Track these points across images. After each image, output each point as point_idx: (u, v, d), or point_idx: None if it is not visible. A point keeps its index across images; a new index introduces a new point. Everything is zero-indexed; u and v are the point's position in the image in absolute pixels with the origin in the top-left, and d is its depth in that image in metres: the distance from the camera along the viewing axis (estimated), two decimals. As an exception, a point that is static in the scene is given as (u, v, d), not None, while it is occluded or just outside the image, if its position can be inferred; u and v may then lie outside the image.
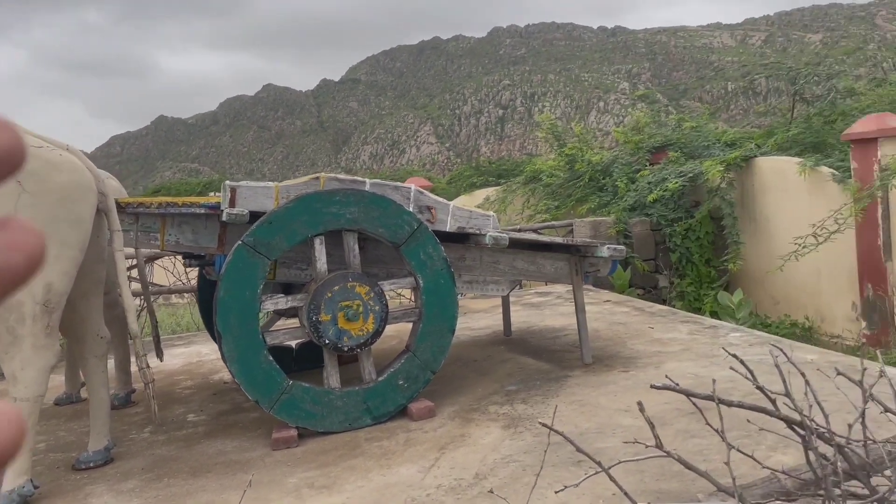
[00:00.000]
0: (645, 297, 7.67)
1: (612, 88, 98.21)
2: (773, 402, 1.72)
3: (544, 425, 1.57)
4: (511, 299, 7.24)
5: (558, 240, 4.27)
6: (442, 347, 3.78)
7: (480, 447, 3.21)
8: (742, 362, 1.75)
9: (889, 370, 3.83)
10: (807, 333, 6.77)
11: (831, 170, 6.47)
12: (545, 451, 2.41)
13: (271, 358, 3.44)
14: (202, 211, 3.65)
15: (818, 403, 1.70)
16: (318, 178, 3.72)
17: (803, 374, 1.76)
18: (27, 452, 2.99)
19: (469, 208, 4.11)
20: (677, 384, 1.70)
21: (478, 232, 3.98)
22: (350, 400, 3.58)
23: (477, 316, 6.48)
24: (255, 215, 3.53)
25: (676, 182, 7.68)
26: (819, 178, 6.53)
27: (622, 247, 4.20)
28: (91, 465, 3.36)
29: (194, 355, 5.83)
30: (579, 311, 4.37)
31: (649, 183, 8.06)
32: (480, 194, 10.41)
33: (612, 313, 5.96)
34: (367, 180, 3.79)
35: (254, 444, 3.54)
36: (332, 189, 3.60)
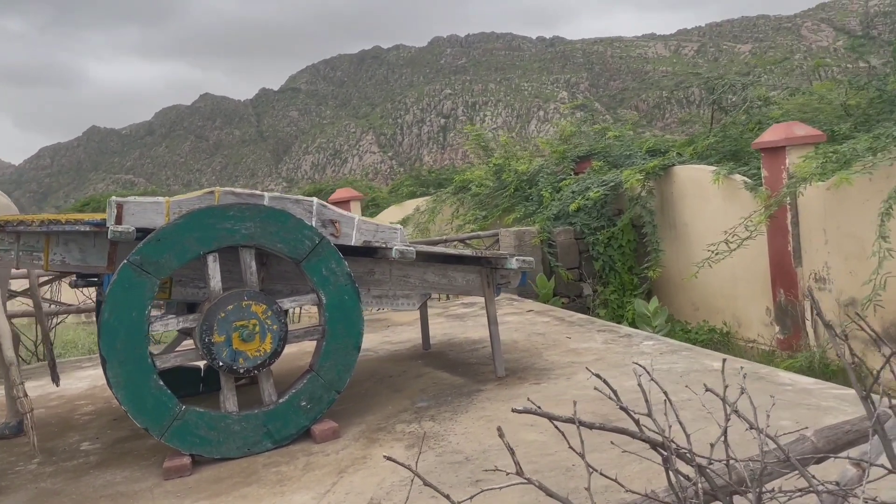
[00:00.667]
0: (570, 306, 7.72)
1: (551, 98, 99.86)
2: (637, 422, 1.68)
3: (396, 462, 1.48)
4: (436, 310, 7.19)
5: (467, 252, 4.21)
6: (347, 366, 3.67)
7: (380, 469, 3.11)
8: (608, 384, 1.71)
9: (790, 377, 3.90)
10: (724, 339, 6.91)
11: (744, 177, 6.62)
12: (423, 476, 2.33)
13: (161, 382, 3.27)
14: (87, 228, 3.46)
15: (679, 422, 1.67)
16: (212, 192, 3.57)
17: (665, 393, 1.73)
18: None
19: (375, 222, 4.02)
20: (539, 407, 1.64)
21: (384, 245, 3.89)
22: (249, 424, 3.44)
23: (399, 329, 6.39)
24: (146, 232, 3.36)
25: (598, 191, 7.75)
26: (733, 186, 6.68)
27: (530, 258, 4.18)
28: (-36, 503, 3.12)
29: (101, 378, 5.54)
30: (491, 323, 4.33)
31: (573, 192, 8.12)
32: (410, 204, 10.35)
33: (532, 323, 5.95)
34: (266, 194, 3.66)
35: (146, 474, 3.36)
36: (226, 204, 3.46)
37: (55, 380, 4.46)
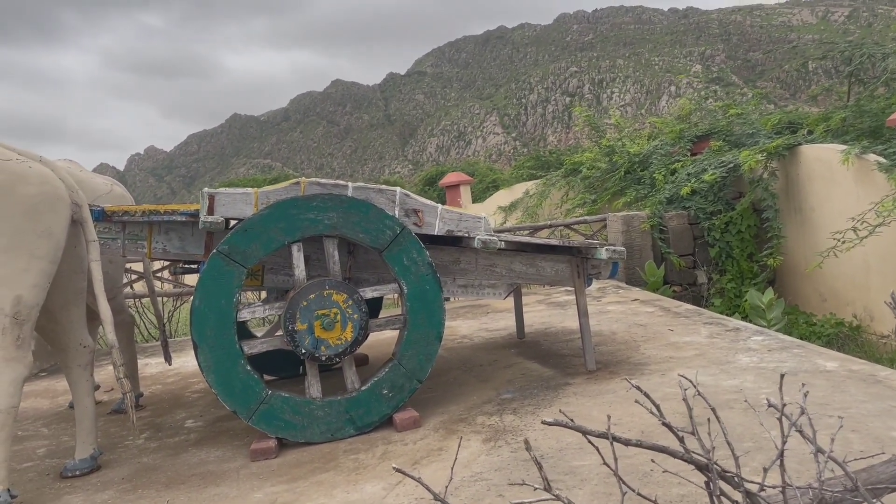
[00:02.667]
0: (682, 295, 7.34)
1: (684, 71, 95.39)
2: (682, 440, 1.54)
3: (404, 473, 1.44)
4: (538, 297, 7.07)
5: (554, 242, 4.07)
6: (429, 355, 3.66)
7: (453, 463, 3.08)
8: (650, 397, 1.57)
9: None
10: (854, 333, 6.31)
11: (878, 157, 5.97)
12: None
13: (249, 367, 3.40)
14: (184, 218, 3.64)
15: (728, 442, 1.51)
16: (298, 182, 3.65)
17: (713, 409, 1.57)
18: (3, 462, 3.02)
19: (459, 210, 3.96)
20: (573, 422, 1.54)
21: (467, 234, 3.84)
22: (332, 410, 3.51)
23: (498, 316, 6.33)
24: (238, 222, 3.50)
25: (714, 174, 7.27)
26: (865, 167, 6.05)
27: (622, 248, 3.97)
28: (77, 473, 3.40)
29: (214, 357, 5.89)
30: (582, 315, 4.17)
31: (688, 174, 7.67)
32: (520, 188, 10.21)
33: (635, 314, 5.70)
34: (350, 185, 3.70)
35: (236, 454, 3.51)
36: (309, 195, 3.53)
37: (167, 359, 4.76)
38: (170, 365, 4.94)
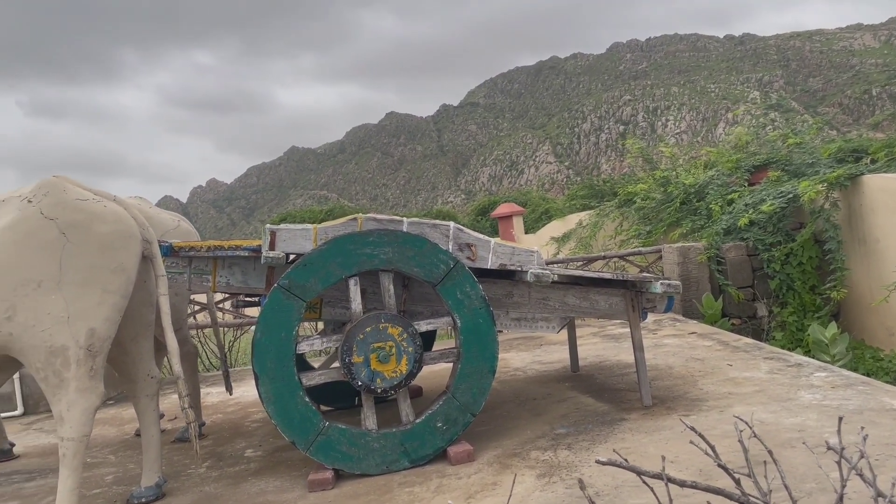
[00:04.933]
0: (741, 328, 7.18)
1: (741, 98, 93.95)
2: (738, 481, 1.54)
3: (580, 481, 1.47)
4: (592, 330, 7.01)
5: (607, 275, 4.07)
6: (482, 388, 3.69)
7: (507, 499, 3.08)
8: (705, 438, 1.58)
9: None
10: (925, 369, 6.05)
11: (947, 187, 5.78)
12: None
13: (308, 399, 3.49)
14: (247, 254, 3.78)
15: (785, 485, 1.50)
16: (356, 218, 3.75)
17: (770, 452, 1.56)
18: (73, 493, 3.15)
19: (512, 244, 4.01)
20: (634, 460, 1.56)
21: (520, 268, 3.87)
22: (387, 442, 3.56)
23: (551, 348, 6.31)
24: (297, 257, 3.62)
25: (772, 204, 7.14)
26: (934, 197, 5.86)
27: (677, 282, 3.94)
28: (143, 500, 3.52)
29: (272, 387, 6.02)
30: (637, 349, 4.14)
31: (746, 205, 7.54)
32: (573, 218, 10.18)
33: (692, 347, 5.61)
34: (405, 220, 3.78)
35: (294, 485, 3.58)
36: (366, 230, 3.63)
37: (228, 388, 4.90)
38: (230, 395, 5.07)
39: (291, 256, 3.80)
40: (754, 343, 5.52)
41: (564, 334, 6.75)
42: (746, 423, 1.60)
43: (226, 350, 6.04)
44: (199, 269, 3.90)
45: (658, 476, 1.54)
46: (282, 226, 3.69)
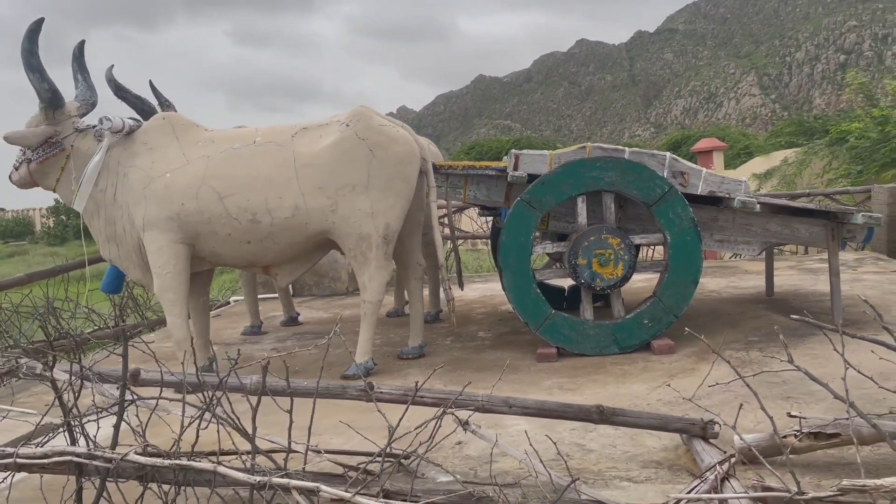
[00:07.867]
0: (951, 271, 7.07)
1: None
2: (897, 341, 2.15)
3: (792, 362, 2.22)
4: (789, 263, 7.30)
5: (810, 206, 4.50)
6: (685, 296, 4.36)
7: (704, 378, 3.78)
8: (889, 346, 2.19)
9: None
10: None
11: None
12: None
13: (539, 290, 4.36)
14: (493, 173, 4.67)
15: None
16: (584, 147, 4.49)
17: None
18: (369, 340, 4.31)
19: (722, 174, 4.55)
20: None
21: (727, 195, 4.43)
22: (601, 331, 4.37)
23: (746, 276, 6.73)
24: (532, 178, 4.45)
25: None
26: None
27: (879, 214, 4.30)
28: (410, 356, 4.63)
29: (489, 290, 7.05)
30: (833, 275, 4.57)
31: (975, 146, 7.26)
32: (778, 156, 10.14)
33: (892, 283, 5.81)
34: (627, 149, 4.47)
35: (523, 356, 4.52)
36: (594, 157, 4.36)
37: (461, 285, 5.94)
38: (462, 290, 6.11)
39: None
40: (960, 282, 5.62)
41: (759, 265, 7.13)
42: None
43: (451, 256, 7.12)
44: (454, 184, 4.85)
45: (835, 330, 2.19)
46: (525, 151, 4.53)
